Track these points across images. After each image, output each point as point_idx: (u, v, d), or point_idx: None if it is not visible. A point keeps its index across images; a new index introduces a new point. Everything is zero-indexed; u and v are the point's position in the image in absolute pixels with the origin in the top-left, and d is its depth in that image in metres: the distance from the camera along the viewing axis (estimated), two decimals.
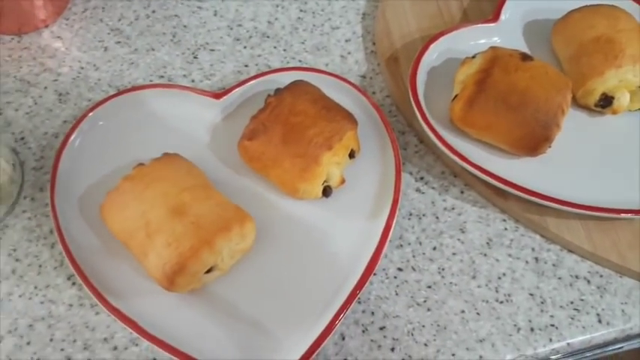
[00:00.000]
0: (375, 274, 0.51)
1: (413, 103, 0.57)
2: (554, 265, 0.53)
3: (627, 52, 0.57)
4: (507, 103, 0.52)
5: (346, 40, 0.67)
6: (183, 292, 0.47)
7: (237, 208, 0.47)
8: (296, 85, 0.55)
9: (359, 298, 0.50)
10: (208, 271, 0.47)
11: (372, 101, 0.58)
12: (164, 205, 0.45)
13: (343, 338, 0.48)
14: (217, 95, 0.58)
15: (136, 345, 0.48)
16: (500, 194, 0.54)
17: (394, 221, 0.51)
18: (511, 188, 0.52)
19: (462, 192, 0.57)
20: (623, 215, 0.52)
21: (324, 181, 0.52)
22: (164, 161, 0.49)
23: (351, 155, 0.54)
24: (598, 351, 0.53)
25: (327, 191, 0.53)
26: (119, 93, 0.57)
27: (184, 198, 0.46)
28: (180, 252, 0.44)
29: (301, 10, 0.70)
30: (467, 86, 0.55)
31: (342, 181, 0.53)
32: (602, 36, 0.58)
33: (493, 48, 0.57)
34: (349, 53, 0.66)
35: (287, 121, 0.51)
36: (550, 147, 0.54)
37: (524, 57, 0.55)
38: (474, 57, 0.57)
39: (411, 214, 0.55)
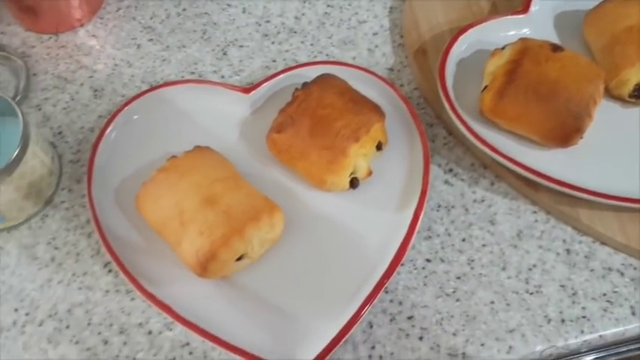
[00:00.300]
0: (402, 265, 0.52)
1: (442, 94, 0.57)
2: (586, 256, 0.52)
3: None
4: (538, 93, 0.52)
5: (373, 34, 0.68)
6: (214, 278, 0.48)
7: (267, 199, 0.49)
8: (323, 78, 0.55)
9: (386, 288, 0.50)
10: (239, 259, 0.48)
11: (400, 93, 0.59)
12: (197, 195, 0.47)
13: (371, 326, 0.49)
14: (246, 90, 0.59)
15: (170, 330, 0.49)
16: (531, 186, 0.54)
17: (422, 212, 0.51)
18: (543, 180, 0.52)
19: (492, 184, 0.57)
20: None
21: (352, 173, 0.53)
22: (196, 153, 0.51)
23: (379, 147, 0.55)
24: (633, 346, 0.53)
25: (354, 183, 0.53)
26: (153, 88, 0.59)
27: (216, 188, 0.47)
28: (212, 240, 0.45)
29: (328, 5, 0.71)
30: (497, 77, 0.55)
31: (370, 173, 0.54)
32: (635, 25, 0.57)
33: (523, 39, 0.57)
34: (376, 46, 0.67)
35: (314, 114, 0.52)
36: (582, 138, 0.53)
37: (555, 47, 0.55)
38: (503, 48, 0.57)
39: (439, 206, 0.55)
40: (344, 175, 0.52)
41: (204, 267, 0.45)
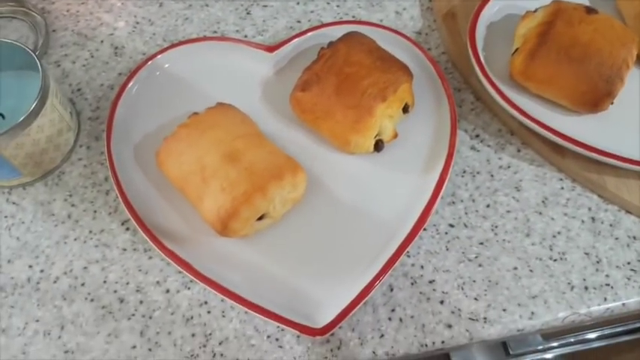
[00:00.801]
0: (425, 230, 0.53)
1: (472, 56, 0.57)
2: (611, 225, 0.53)
3: None
4: (570, 55, 0.52)
5: None
6: (236, 237, 0.49)
7: (290, 158, 0.49)
8: (351, 35, 0.56)
9: (408, 252, 0.51)
10: (260, 219, 0.49)
11: (429, 55, 0.59)
12: (219, 151, 0.48)
13: (392, 289, 0.50)
14: (270, 48, 0.60)
15: (188, 289, 0.51)
16: (558, 152, 0.55)
17: (448, 176, 0.52)
18: (570, 144, 0.52)
19: (518, 150, 0.57)
20: None
21: (377, 135, 0.54)
22: (218, 110, 0.51)
23: (405, 110, 0.55)
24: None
25: (378, 145, 0.54)
26: (176, 44, 0.60)
27: (238, 145, 0.48)
28: (234, 196, 0.46)
29: None
30: (528, 39, 0.55)
31: (395, 136, 0.55)
32: None
33: (556, 1, 0.57)
34: (404, 9, 0.67)
35: (341, 72, 0.53)
36: (612, 103, 0.53)
37: (589, 10, 0.55)
38: (535, 11, 0.57)
39: (464, 172, 0.56)
40: (369, 136, 0.53)
41: (225, 224, 0.46)
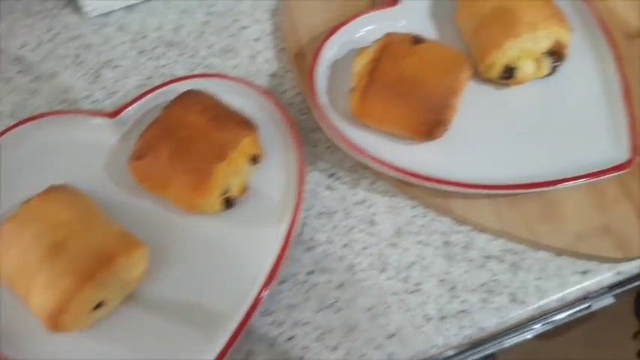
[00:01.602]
0: (284, 282, 0.50)
1: (310, 100, 0.55)
2: (464, 247, 0.51)
3: (524, 19, 0.54)
4: (397, 91, 0.51)
5: (255, 40, 0.65)
6: (72, 331, 0.44)
7: (124, 236, 0.45)
8: (186, 95, 0.52)
9: (268, 310, 0.48)
10: (99, 306, 0.45)
11: (277, 101, 0.56)
12: (42, 244, 0.43)
13: (251, 355, 0.46)
14: (112, 114, 0.55)
15: None
16: (406, 182, 0.53)
17: (295, 226, 0.49)
18: (410, 177, 0.50)
19: (372, 183, 0.55)
20: (530, 190, 0.50)
21: (225, 193, 0.51)
22: (47, 195, 0.47)
23: (256, 161, 0.53)
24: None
25: (229, 202, 0.51)
26: (10, 128, 0.55)
27: (63, 233, 0.43)
28: (60, 290, 0.41)
29: (208, 14, 0.67)
30: (362, 77, 0.53)
31: (245, 190, 0.52)
32: (497, 6, 0.56)
33: (388, 34, 0.55)
34: (258, 52, 0.64)
35: (175, 136, 0.49)
36: (446, 130, 0.52)
37: (416, 40, 0.53)
38: (370, 46, 0.55)
39: (321, 214, 0.53)
40: (213, 197, 0.49)
41: (55, 321, 0.42)
